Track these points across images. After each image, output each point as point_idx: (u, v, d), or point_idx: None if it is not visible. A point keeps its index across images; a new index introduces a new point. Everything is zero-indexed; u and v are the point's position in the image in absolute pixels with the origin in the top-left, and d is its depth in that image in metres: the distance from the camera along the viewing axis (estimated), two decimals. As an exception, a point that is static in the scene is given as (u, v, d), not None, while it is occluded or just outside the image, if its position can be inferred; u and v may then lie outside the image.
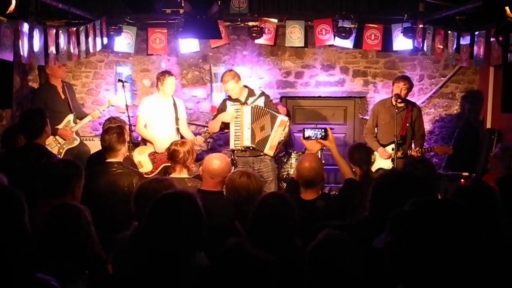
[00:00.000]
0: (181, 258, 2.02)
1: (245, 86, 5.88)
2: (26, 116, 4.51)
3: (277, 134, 5.56)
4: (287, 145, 6.83)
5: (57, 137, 6.23)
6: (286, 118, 5.71)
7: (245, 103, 5.69)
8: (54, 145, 6.13)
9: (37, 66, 7.03)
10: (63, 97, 6.48)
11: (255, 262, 1.76)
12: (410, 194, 2.33)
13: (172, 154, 4.20)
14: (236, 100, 5.73)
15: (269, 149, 5.59)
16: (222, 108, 5.80)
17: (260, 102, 5.71)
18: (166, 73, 6.15)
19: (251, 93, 5.80)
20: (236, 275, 1.73)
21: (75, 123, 6.43)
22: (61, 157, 6.00)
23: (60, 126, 6.28)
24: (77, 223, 2.56)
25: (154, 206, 2.14)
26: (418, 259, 1.37)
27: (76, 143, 6.41)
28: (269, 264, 1.79)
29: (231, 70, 5.90)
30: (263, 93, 5.86)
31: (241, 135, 5.59)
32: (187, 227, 2.06)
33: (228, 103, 5.76)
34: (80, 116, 6.57)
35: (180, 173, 4.17)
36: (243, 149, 5.64)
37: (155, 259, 2.04)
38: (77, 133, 6.46)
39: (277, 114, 5.66)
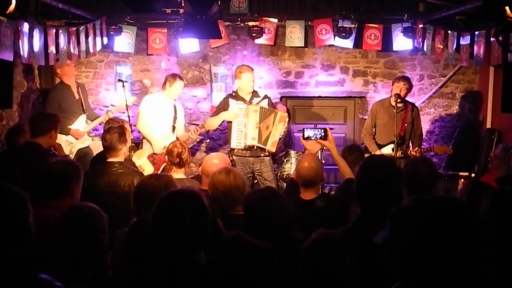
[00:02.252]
0: (185, 256, 2.02)
1: None
2: (38, 114, 4.57)
3: (278, 130, 5.64)
4: (287, 145, 6.84)
5: (69, 136, 6.24)
6: (285, 114, 5.82)
7: (250, 102, 5.72)
8: (66, 144, 6.13)
9: (37, 66, 7.03)
10: (77, 97, 6.51)
11: (256, 250, 1.79)
12: (393, 178, 2.40)
13: (179, 157, 4.15)
14: (240, 99, 5.75)
15: (271, 146, 5.65)
16: (223, 106, 5.80)
17: (264, 104, 5.76)
18: (177, 76, 6.19)
19: (255, 93, 5.85)
20: (239, 264, 1.75)
21: (87, 124, 6.45)
22: (73, 156, 6.06)
23: (72, 126, 6.30)
24: (94, 227, 2.52)
25: (159, 204, 2.14)
26: (417, 255, 1.37)
27: (88, 143, 6.44)
28: (269, 252, 1.81)
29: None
30: (266, 96, 5.93)
31: (246, 134, 5.62)
32: (193, 226, 2.06)
33: (231, 101, 5.77)
34: (91, 117, 6.58)
35: (178, 174, 4.17)
36: (245, 147, 5.66)
37: (160, 258, 2.04)
38: (87, 134, 6.49)
39: (276, 110, 5.77)
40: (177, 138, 6.15)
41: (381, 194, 2.42)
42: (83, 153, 6.33)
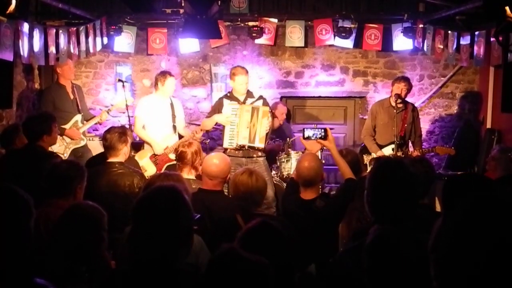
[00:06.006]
0: (165, 253, 1.98)
1: None
2: (29, 118, 4.57)
3: (263, 125, 5.61)
4: (287, 145, 6.83)
5: (64, 136, 6.23)
6: (267, 108, 5.76)
7: (243, 103, 5.72)
8: (60, 144, 6.11)
9: (37, 66, 7.03)
10: (72, 97, 6.51)
11: (250, 265, 1.74)
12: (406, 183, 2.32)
13: (180, 156, 4.18)
14: (234, 99, 5.76)
15: (259, 142, 5.64)
16: (218, 106, 5.82)
17: (258, 104, 5.76)
18: (167, 73, 6.14)
19: (249, 94, 5.84)
20: (232, 279, 1.71)
21: (82, 123, 6.45)
22: (67, 156, 6.04)
23: (67, 126, 6.29)
24: (97, 225, 2.52)
25: (138, 201, 2.09)
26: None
27: (83, 143, 6.42)
28: (264, 267, 1.77)
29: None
30: (261, 96, 5.91)
31: (238, 134, 5.63)
32: (171, 223, 1.99)
33: (225, 101, 5.78)
34: (88, 117, 6.59)
35: (188, 174, 4.15)
36: (237, 147, 5.67)
37: (139, 255, 2.01)
38: (84, 134, 6.48)
39: (258, 106, 5.72)
40: (179, 136, 6.15)
41: (397, 200, 2.28)
42: (79, 153, 6.30)
